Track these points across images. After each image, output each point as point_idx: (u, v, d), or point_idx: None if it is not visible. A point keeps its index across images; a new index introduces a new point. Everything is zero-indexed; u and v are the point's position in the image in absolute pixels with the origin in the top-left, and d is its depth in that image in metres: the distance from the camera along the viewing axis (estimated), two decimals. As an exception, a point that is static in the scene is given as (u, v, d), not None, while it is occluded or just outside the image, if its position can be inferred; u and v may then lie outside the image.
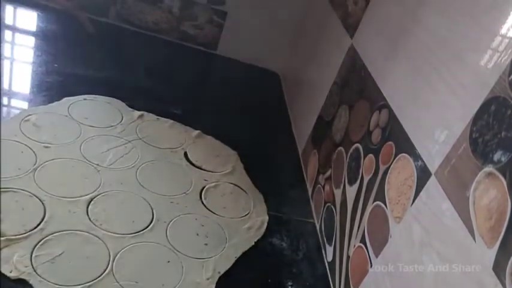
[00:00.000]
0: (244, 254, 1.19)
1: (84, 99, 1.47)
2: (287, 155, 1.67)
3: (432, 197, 0.89)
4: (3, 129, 1.22)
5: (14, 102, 1.42)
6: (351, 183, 1.22)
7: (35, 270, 0.96)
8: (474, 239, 0.76)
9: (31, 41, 1.73)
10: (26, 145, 1.23)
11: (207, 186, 1.34)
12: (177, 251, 1.12)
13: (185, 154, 1.43)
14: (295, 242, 1.29)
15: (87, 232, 1.08)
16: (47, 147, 1.24)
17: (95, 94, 1.51)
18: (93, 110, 1.44)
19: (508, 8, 0.81)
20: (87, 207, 1.14)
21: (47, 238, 1.03)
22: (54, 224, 1.07)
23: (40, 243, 1.01)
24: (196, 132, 1.51)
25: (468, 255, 0.78)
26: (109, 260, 1.04)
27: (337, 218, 1.26)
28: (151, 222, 1.17)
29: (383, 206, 1.05)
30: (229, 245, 1.19)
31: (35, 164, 1.19)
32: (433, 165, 0.91)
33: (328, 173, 1.37)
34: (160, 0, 1.92)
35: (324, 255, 1.28)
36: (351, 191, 1.21)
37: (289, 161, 1.64)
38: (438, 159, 0.89)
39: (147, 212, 1.19)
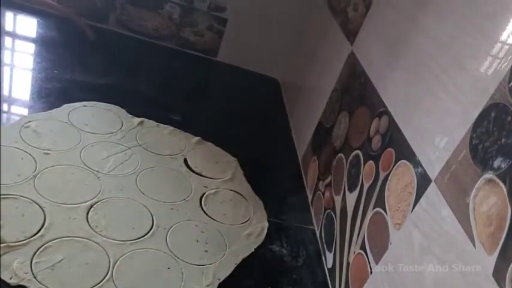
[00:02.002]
0: (244, 260, 1.19)
1: (84, 105, 1.47)
2: (287, 162, 1.67)
3: (432, 204, 0.90)
4: (3, 136, 1.22)
5: (14, 109, 1.42)
6: (351, 189, 1.23)
7: (35, 277, 0.96)
8: (474, 245, 0.77)
9: (31, 47, 1.73)
10: (26, 152, 1.23)
11: (207, 193, 1.34)
12: (177, 257, 1.12)
13: (185, 161, 1.43)
14: (295, 248, 1.29)
15: (87, 239, 1.08)
16: (47, 153, 1.25)
17: (95, 101, 1.51)
18: (93, 117, 1.44)
19: (508, 15, 0.82)
20: (87, 214, 1.14)
21: (47, 245, 1.03)
22: (54, 230, 1.07)
23: (40, 250, 1.02)
24: (196, 138, 1.52)
25: (468, 262, 0.78)
26: (109, 267, 1.04)
27: (337, 225, 1.26)
28: (151, 228, 1.17)
29: (383, 212, 1.05)
30: (229, 252, 1.19)
31: (35, 171, 1.19)
32: (433, 172, 0.91)
33: (328, 180, 1.38)
34: (161, 7, 1.92)
35: (324, 262, 1.28)
36: (351, 198, 1.21)
37: (289, 167, 1.64)
38: (438, 166, 0.89)
39: (147, 219, 1.19)
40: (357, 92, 1.32)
